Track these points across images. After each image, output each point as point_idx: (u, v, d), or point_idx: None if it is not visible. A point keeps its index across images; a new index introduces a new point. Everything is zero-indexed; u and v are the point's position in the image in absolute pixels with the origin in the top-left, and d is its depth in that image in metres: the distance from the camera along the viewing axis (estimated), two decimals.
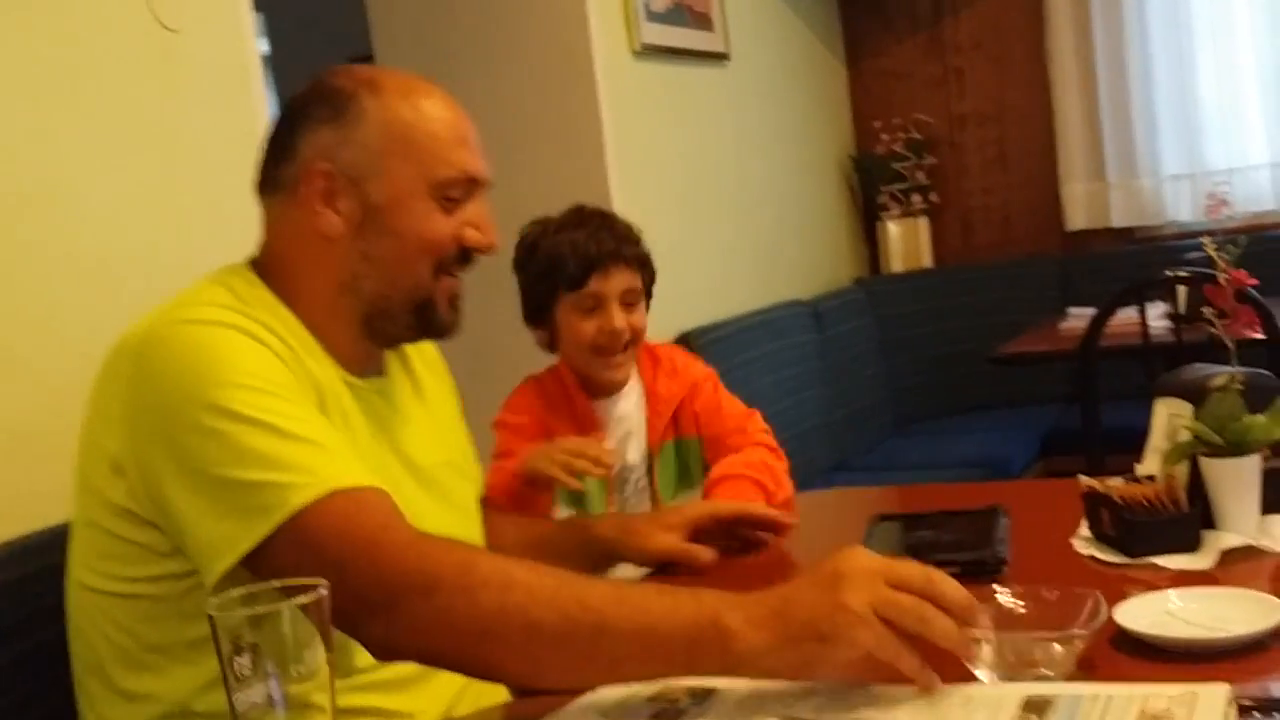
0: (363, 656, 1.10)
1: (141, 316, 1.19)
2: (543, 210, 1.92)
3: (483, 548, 1.19)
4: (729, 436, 1.85)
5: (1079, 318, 3.24)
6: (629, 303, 1.83)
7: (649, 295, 1.90)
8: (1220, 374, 1.30)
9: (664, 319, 2.52)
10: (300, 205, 1.24)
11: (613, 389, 1.88)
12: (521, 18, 3.15)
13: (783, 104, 4.09)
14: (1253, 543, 1.25)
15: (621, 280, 1.82)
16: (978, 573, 1.27)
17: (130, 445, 1.12)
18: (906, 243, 4.42)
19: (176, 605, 1.14)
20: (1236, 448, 1.26)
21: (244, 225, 1.32)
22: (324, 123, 1.24)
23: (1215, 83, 4.04)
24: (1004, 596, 1.05)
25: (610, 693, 1.04)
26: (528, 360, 1.96)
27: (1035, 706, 0.91)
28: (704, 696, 1.01)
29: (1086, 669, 0.99)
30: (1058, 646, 0.95)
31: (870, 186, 4.48)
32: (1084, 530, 1.35)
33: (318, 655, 0.81)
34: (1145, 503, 1.28)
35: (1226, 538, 1.25)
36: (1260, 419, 1.26)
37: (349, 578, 0.99)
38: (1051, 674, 0.95)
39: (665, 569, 1.47)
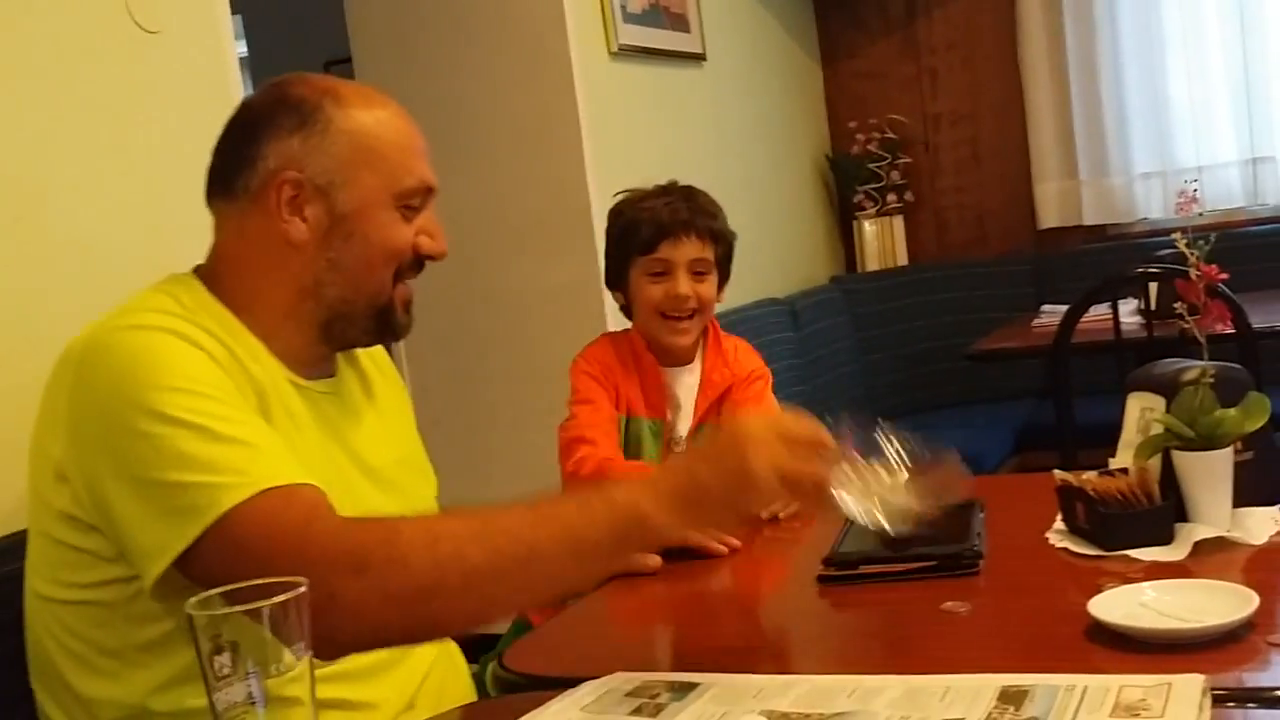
0: None
1: (86, 324, 1.19)
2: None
3: (407, 515, 1.18)
4: None
5: (1052, 314, 3.26)
6: (698, 271, 1.89)
7: (726, 270, 1.95)
8: (1192, 368, 1.31)
9: None
10: (264, 212, 1.24)
11: (679, 358, 1.93)
12: (499, 19, 3.15)
13: (759, 104, 4.11)
14: (1225, 534, 1.26)
15: (692, 249, 1.88)
16: (954, 566, 1.28)
17: (72, 451, 1.13)
18: (882, 241, 4.44)
19: (125, 610, 1.15)
20: (1208, 441, 1.28)
21: None
22: (290, 131, 1.24)
23: (1185, 82, 4.07)
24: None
25: (589, 688, 1.05)
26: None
27: (1012, 697, 0.92)
28: (684, 690, 1.02)
29: (1062, 659, 1.00)
30: (886, 475, 1.15)
31: (846, 186, 4.50)
32: (1059, 524, 1.37)
33: (298, 652, 0.81)
34: (1119, 496, 1.29)
35: (1199, 530, 1.26)
36: (1231, 412, 1.28)
37: (279, 574, 0.99)
38: (893, 500, 1.14)
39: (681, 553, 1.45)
